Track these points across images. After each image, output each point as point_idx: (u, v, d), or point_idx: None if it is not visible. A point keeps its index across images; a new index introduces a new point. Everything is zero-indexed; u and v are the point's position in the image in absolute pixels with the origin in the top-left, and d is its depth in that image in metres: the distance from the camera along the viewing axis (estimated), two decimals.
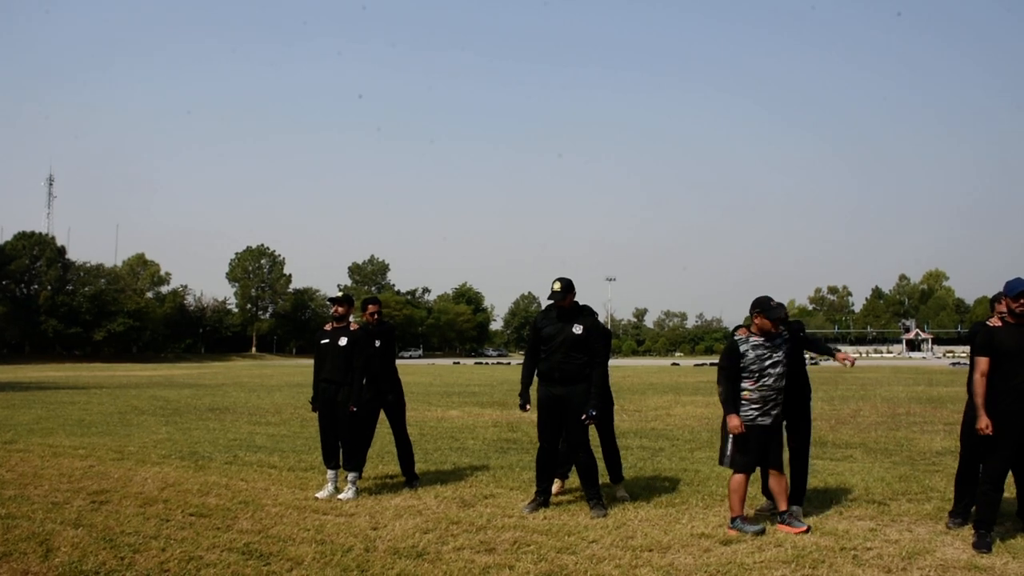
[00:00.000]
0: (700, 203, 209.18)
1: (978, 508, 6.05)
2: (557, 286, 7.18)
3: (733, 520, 6.38)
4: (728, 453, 6.57)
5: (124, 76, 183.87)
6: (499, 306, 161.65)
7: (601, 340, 7.29)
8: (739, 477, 6.47)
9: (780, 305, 6.59)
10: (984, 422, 5.94)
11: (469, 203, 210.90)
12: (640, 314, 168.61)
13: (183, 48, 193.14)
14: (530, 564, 5.46)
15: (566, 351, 7.12)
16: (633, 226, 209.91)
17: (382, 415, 8.52)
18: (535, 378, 7.39)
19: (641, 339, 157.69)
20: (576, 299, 7.34)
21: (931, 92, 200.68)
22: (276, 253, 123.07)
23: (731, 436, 6.54)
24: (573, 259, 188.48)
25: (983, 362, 6.05)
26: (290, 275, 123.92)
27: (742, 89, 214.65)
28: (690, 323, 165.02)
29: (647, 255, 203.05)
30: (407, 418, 8.85)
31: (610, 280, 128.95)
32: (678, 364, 70.41)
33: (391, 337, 8.63)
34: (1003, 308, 6.29)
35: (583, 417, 7.06)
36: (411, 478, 8.39)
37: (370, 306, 8.57)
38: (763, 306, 6.56)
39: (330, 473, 7.90)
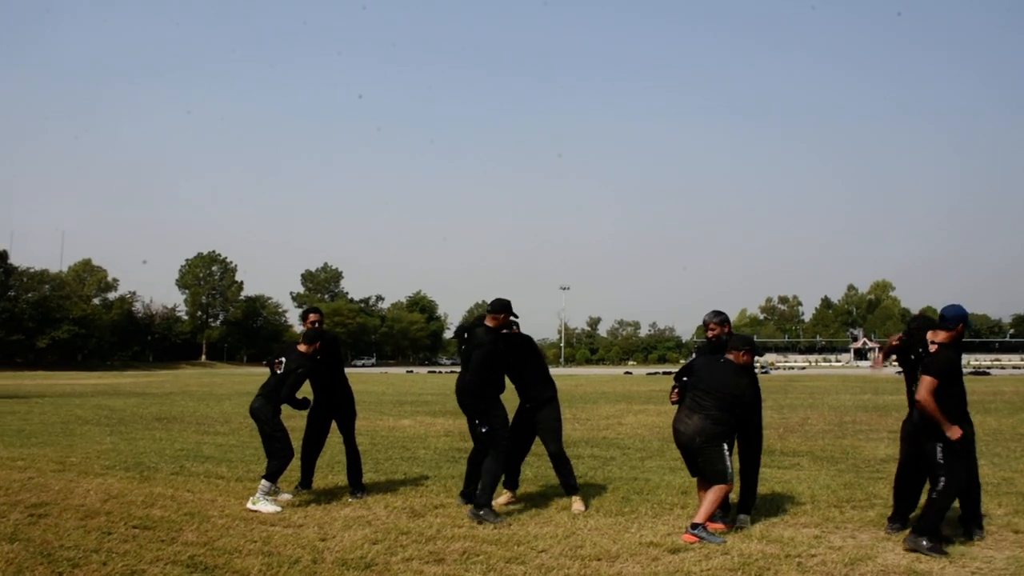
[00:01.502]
0: (654, 212, 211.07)
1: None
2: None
3: (699, 527, 6.42)
4: (731, 470, 6.65)
5: (118, 80, 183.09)
6: (453, 314, 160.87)
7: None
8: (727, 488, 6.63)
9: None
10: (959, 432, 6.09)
11: (426, 210, 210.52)
12: (594, 323, 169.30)
13: (183, 48, 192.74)
14: (479, 574, 5.45)
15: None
16: (587, 235, 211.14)
17: (333, 425, 8.50)
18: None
19: (595, 348, 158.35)
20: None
21: (885, 104, 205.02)
22: (227, 260, 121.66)
23: (728, 452, 6.65)
24: (527, 267, 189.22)
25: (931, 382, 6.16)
26: (242, 282, 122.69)
27: (697, 100, 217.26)
28: (643, 332, 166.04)
29: (601, 264, 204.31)
30: (357, 427, 8.79)
31: (564, 289, 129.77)
32: (631, 373, 70.80)
33: (335, 346, 8.62)
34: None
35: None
36: (357, 488, 8.33)
37: (311, 315, 8.52)
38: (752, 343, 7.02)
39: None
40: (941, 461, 6.05)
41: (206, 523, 6.91)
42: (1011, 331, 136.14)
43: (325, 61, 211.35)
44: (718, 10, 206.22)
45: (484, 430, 7.31)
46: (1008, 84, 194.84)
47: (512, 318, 7.75)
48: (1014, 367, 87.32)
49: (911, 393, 6.69)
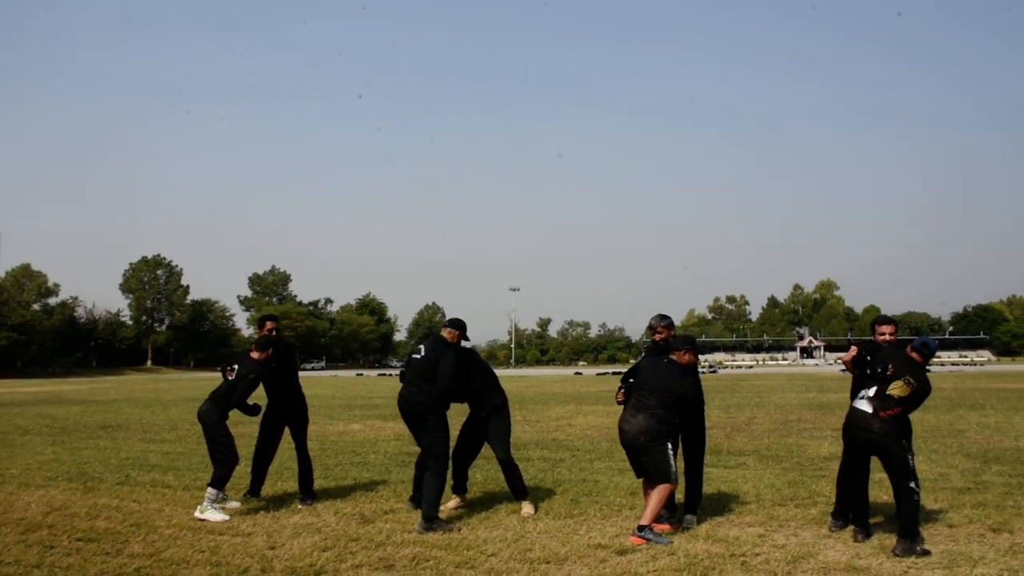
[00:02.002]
0: (604, 213, 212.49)
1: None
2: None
3: (646, 528, 6.50)
4: (675, 469, 6.74)
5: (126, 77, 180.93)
6: (403, 316, 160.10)
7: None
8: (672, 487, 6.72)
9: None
10: None
11: (374, 212, 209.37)
12: (544, 323, 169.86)
13: (183, 48, 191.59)
14: None
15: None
16: (537, 235, 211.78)
17: (285, 432, 8.48)
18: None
19: (545, 348, 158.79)
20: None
21: (831, 107, 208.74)
22: (173, 263, 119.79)
23: (673, 452, 6.75)
24: (476, 268, 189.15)
25: None
26: (188, 286, 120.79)
27: (644, 104, 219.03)
28: (593, 332, 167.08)
29: (551, 264, 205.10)
30: (308, 432, 8.77)
31: (514, 290, 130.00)
32: (581, 373, 71.13)
33: (290, 354, 8.62)
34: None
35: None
36: (307, 495, 8.29)
37: (267, 323, 8.47)
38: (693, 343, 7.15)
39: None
40: (911, 467, 6.24)
41: (152, 534, 6.83)
42: (950, 329, 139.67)
43: (326, 61, 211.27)
44: (650, 19, 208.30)
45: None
46: (955, 87, 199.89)
47: (464, 341, 7.84)
48: (952, 364, 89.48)
49: (855, 394, 6.89)
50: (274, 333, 8.37)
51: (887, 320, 7.05)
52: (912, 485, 6.16)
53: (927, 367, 6.55)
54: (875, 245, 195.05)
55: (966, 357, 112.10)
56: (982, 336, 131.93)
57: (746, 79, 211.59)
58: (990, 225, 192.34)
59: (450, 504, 7.92)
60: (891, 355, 6.54)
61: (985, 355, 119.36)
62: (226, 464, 7.63)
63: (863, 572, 5.58)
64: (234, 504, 7.94)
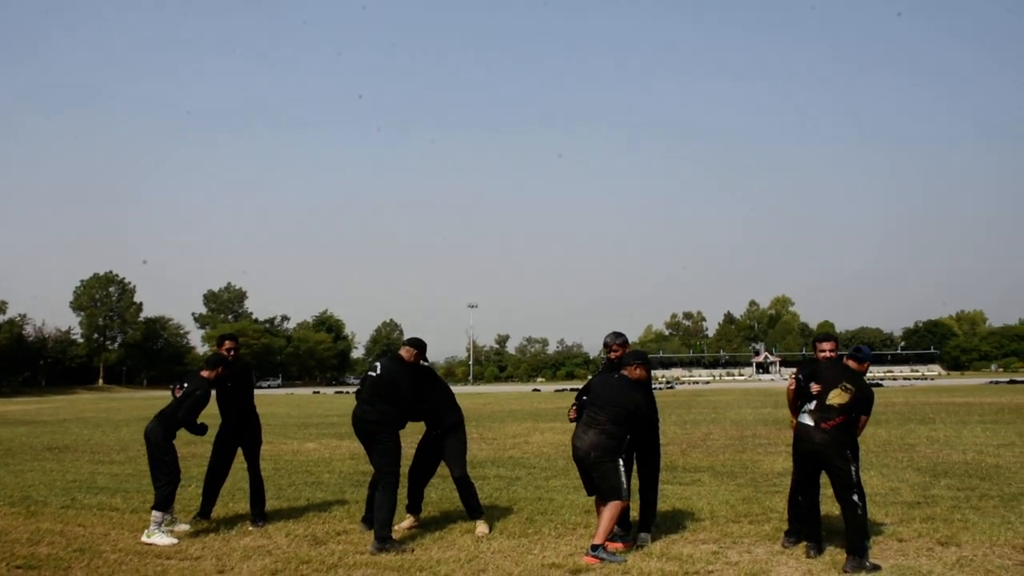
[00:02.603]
0: (561, 229, 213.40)
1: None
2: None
3: (600, 548, 6.48)
4: (626, 486, 6.72)
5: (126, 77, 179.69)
6: (361, 334, 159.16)
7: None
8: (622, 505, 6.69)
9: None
10: None
11: (330, 229, 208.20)
12: (502, 340, 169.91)
13: (182, 48, 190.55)
14: None
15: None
16: (495, 252, 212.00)
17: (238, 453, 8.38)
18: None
19: (503, 365, 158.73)
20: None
21: (784, 124, 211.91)
22: (125, 281, 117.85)
23: (624, 469, 6.74)
24: (436, 285, 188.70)
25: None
26: (141, 303, 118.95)
27: (605, 118, 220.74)
28: (552, 349, 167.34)
29: (510, 281, 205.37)
30: (261, 452, 8.64)
31: (472, 307, 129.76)
32: (539, 390, 71.16)
33: (247, 374, 8.54)
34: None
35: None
36: (259, 517, 8.16)
37: (226, 342, 8.36)
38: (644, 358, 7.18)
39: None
40: (855, 480, 6.30)
41: (97, 559, 6.66)
42: (902, 344, 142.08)
43: (326, 60, 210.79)
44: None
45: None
46: (917, 102, 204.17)
47: (422, 361, 7.80)
48: (904, 379, 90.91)
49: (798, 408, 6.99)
50: (232, 353, 8.26)
51: (827, 337, 7.17)
52: (855, 498, 6.21)
53: (865, 373, 6.69)
54: (829, 262, 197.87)
55: (917, 372, 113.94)
56: (932, 351, 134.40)
57: (699, 92, 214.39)
58: (941, 243, 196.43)
59: (404, 524, 7.85)
60: (824, 369, 6.68)
61: (935, 369, 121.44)
62: (168, 484, 7.46)
63: None
64: (183, 527, 7.78)
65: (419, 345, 7.77)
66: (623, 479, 6.64)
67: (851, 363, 6.61)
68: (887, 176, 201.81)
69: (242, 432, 8.37)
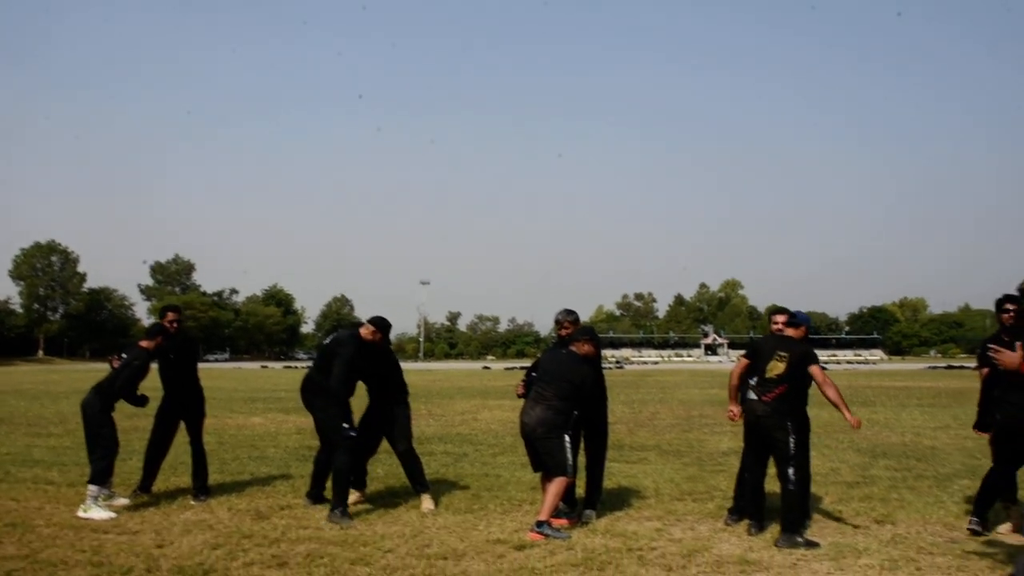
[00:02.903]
0: (512, 208, 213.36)
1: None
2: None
3: (545, 524, 6.49)
4: (571, 462, 6.71)
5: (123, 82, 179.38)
6: (311, 308, 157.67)
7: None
8: (566, 481, 6.67)
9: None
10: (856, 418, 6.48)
11: (285, 202, 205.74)
12: (453, 317, 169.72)
13: (182, 48, 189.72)
14: None
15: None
16: (448, 230, 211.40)
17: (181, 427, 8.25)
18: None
19: (454, 342, 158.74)
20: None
21: (733, 107, 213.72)
22: (68, 250, 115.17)
23: (570, 445, 6.71)
24: (387, 262, 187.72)
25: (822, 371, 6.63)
26: (84, 274, 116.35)
27: (561, 101, 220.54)
28: (503, 327, 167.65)
29: (461, 259, 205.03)
30: (204, 426, 8.51)
31: (424, 284, 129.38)
32: (489, 368, 71.29)
33: (192, 347, 8.44)
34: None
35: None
36: (201, 491, 8.05)
37: (169, 313, 8.19)
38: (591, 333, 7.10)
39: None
40: (793, 452, 6.33)
41: (30, 533, 6.49)
42: (847, 328, 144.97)
43: (326, 60, 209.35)
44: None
45: (351, 433, 7.20)
46: (877, 85, 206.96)
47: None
48: (847, 363, 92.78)
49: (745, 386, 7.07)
50: (175, 325, 8.10)
51: (780, 310, 7.25)
52: (790, 472, 6.28)
53: (806, 338, 6.76)
54: (777, 245, 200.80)
55: (860, 356, 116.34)
56: (875, 336, 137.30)
57: (662, 83, 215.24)
58: (885, 229, 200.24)
59: (350, 499, 7.79)
60: (762, 344, 6.78)
61: (878, 354, 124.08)
62: (104, 458, 7.29)
63: (755, 565, 5.68)
64: (122, 501, 7.64)
65: (382, 326, 7.60)
66: (568, 456, 6.64)
67: (788, 331, 6.70)
68: (836, 162, 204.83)
69: (185, 405, 8.22)
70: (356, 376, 7.49)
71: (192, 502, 7.78)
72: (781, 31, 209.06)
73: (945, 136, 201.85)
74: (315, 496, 7.64)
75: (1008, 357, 5.61)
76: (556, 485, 6.56)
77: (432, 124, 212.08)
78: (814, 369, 6.49)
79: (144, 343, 7.66)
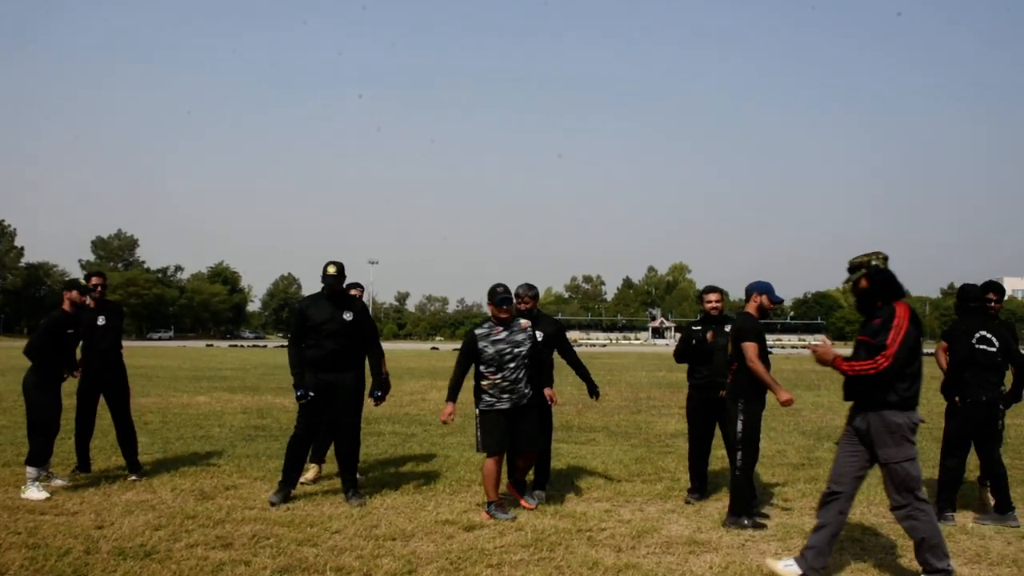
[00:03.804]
0: (463, 190, 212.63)
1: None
2: (333, 269, 7.05)
3: (488, 505, 6.48)
4: (479, 437, 6.66)
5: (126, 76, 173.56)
6: (258, 287, 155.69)
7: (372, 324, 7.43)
8: (489, 461, 6.57)
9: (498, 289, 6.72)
10: (788, 394, 6.33)
11: (228, 180, 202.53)
12: (402, 298, 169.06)
13: (182, 48, 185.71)
14: (268, 559, 5.25)
15: (339, 338, 7.00)
16: (398, 209, 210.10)
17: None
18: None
19: (402, 323, 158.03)
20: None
21: (678, 94, 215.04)
22: (5, 223, 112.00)
23: (478, 421, 6.64)
24: (334, 240, 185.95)
25: (755, 347, 6.35)
26: (22, 248, 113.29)
27: (509, 88, 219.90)
28: (451, 308, 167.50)
29: (410, 238, 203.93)
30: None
31: (373, 263, 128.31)
32: (438, 348, 71.12)
33: (117, 315, 8.19)
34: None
35: (374, 402, 7.17)
36: (135, 466, 7.88)
37: (93, 278, 7.95)
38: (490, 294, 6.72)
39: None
40: (740, 435, 6.33)
41: None
42: (791, 313, 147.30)
43: (326, 60, 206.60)
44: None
45: (379, 394, 7.20)
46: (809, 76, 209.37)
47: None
48: (792, 347, 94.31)
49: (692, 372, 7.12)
50: (100, 290, 7.87)
51: (712, 288, 7.28)
52: (737, 455, 6.32)
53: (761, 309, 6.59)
54: (725, 229, 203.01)
55: (804, 340, 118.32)
56: (820, 321, 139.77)
57: (611, 66, 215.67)
58: (829, 214, 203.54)
59: (308, 475, 7.72)
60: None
61: (821, 339, 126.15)
62: (39, 436, 7.07)
63: (704, 545, 5.71)
64: (59, 482, 7.41)
65: (333, 274, 7.24)
66: None
67: (748, 307, 6.65)
68: (778, 144, 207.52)
69: (107, 380, 7.93)
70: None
71: (133, 478, 7.62)
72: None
73: (890, 125, 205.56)
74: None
75: (821, 350, 5.35)
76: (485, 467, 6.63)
77: (428, 120, 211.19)
78: (746, 346, 6.30)
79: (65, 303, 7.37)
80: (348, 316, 7.05)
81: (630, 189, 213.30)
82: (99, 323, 7.86)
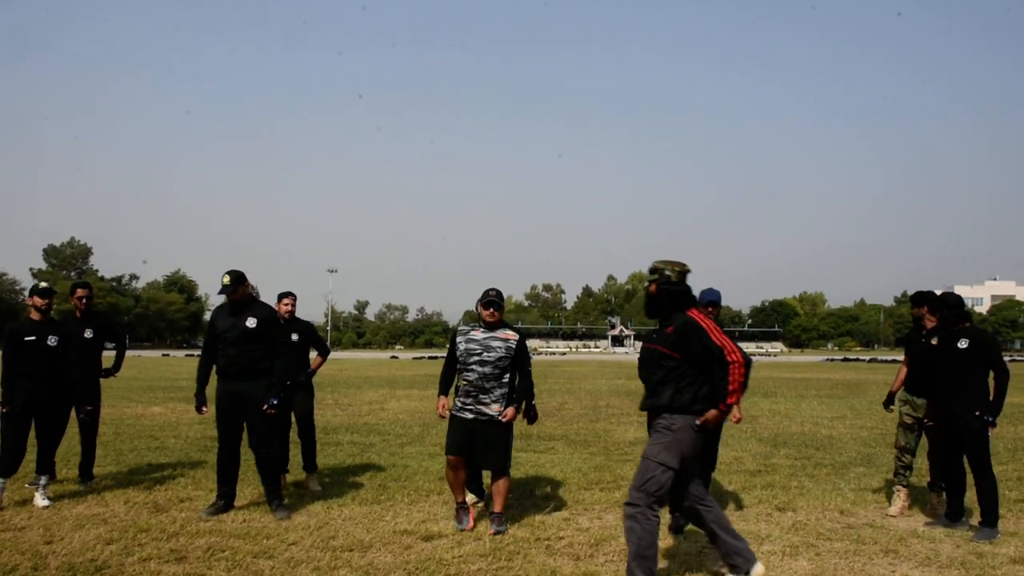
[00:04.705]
0: (422, 198, 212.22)
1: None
2: (227, 279, 6.97)
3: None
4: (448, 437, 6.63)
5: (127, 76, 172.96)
6: (216, 296, 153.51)
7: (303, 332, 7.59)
8: (448, 464, 6.53)
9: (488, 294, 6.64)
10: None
11: (191, 187, 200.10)
12: (361, 306, 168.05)
13: (182, 48, 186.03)
14: (222, 572, 5.18)
15: (241, 345, 6.86)
16: (357, 218, 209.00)
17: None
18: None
19: (362, 332, 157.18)
20: (251, 291, 7.21)
21: (630, 103, 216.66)
22: None
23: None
24: (295, 249, 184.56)
25: None
26: None
27: (468, 91, 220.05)
28: (411, 316, 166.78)
29: (370, 247, 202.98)
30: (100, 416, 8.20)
31: (332, 272, 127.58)
32: (397, 357, 70.80)
33: (107, 327, 8.21)
34: None
35: (264, 408, 6.82)
36: (87, 476, 7.85)
37: (78, 290, 7.89)
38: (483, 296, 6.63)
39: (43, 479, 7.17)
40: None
41: None
42: (749, 321, 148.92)
43: (326, 60, 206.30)
44: None
45: (275, 403, 6.92)
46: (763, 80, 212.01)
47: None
48: (750, 355, 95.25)
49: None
50: (85, 302, 7.91)
51: None
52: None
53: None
54: (684, 238, 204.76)
55: (762, 348, 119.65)
56: (776, 329, 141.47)
57: (548, 73, 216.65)
58: (787, 224, 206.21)
59: None
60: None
61: (778, 347, 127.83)
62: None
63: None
64: (41, 500, 7.14)
65: (228, 284, 7.09)
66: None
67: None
68: (740, 155, 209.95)
69: (80, 392, 7.80)
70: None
71: (84, 495, 7.48)
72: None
73: (843, 136, 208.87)
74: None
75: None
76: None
77: (428, 121, 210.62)
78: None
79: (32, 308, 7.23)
80: (251, 323, 6.89)
81: (590, 198, 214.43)
82: (86, 336, 7.87)
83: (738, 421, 6.69)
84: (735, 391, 4.80)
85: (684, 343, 4.87)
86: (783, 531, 6.36)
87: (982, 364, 6.45)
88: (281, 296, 8.08)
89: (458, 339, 6.58)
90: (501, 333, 6.52)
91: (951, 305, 6.74)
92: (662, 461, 4.79)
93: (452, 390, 6.66)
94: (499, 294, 6.58)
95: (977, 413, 6.35)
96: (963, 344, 6.49)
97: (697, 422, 4.86)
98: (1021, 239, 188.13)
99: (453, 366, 6.63)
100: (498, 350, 6.43)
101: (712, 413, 4.85)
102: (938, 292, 7.17)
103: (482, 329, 6.55)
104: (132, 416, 14.86)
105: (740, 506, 7.30)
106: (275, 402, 6.87)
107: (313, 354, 8.55)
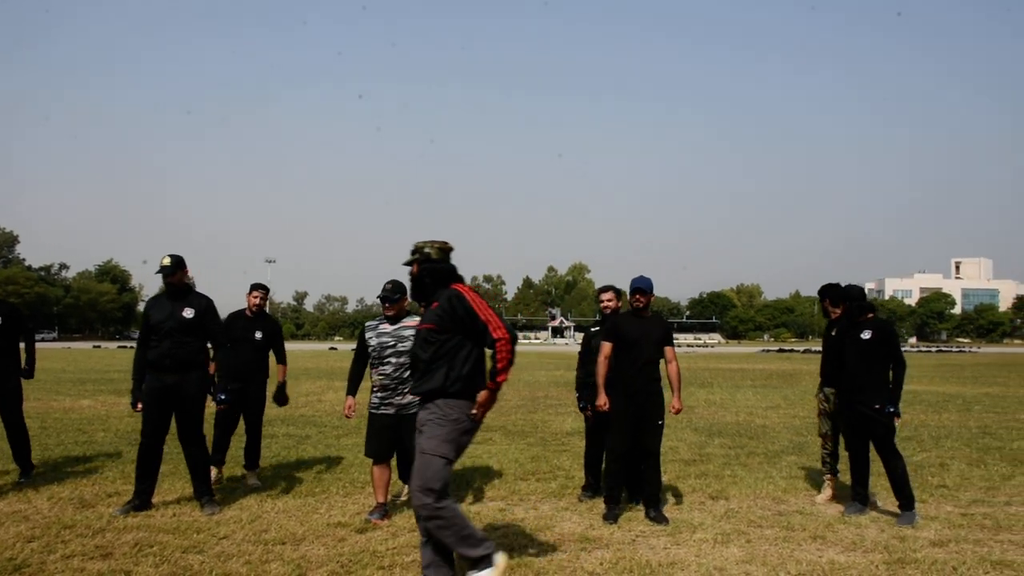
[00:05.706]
0: (362, 188, 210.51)
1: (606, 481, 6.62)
2: (167, 260, 6.71)
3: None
4: (365, 440, 6.59)
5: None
6: (149, 286, 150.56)
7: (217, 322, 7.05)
8: (374, 467, 6.51)
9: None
10: (603, 399, 6.52)
11: (118, 175, 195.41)
12: (300, 297, 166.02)
13: (183, 47, 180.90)
14: (151, 567, 5.06)
15: (177, 337, 6.61)
16: (296, 207, 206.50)
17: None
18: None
19: (300, 323, 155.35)
20: (188, 280, 6.96)
21: (580, 95, 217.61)
22: None
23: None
24: (229, 237, 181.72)
25: (607, 347, 6.63)
26: None
27: (408, 77, 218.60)
28: (351, 307, 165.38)
29: (310, 237, 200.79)
30: (26, 409, 7.96)
31: (270, 262, 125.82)
32: (336, 349, 70.15)
33: (11, 316, 7.85)
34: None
35: (218, 406, 6.70)
36: (27, 468, 7.66)
37: None
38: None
39: None
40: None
41: None
42: (687, 313, 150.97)
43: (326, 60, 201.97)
44: None
45: (223, 398, 6.81)
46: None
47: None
48: (688, 346, 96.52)
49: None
50: None
51: (607, 288, 7.39)
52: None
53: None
54: (622, 231, 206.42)
55: (700, 339, 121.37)
56: (714, 320, 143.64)
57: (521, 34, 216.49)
58: (724, 217, 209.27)
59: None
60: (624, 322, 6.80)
61: (716, 338, 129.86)
62: None
63: (595, 542, 5.77)
64: None
65: (167, 266, 6.86)
66: None
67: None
68: (678, 148, 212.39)
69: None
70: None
71: (11, 490, 7.26)
72: None
73: (793, 131, 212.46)
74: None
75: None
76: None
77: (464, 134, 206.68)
78: (668, 349, 6.85)
79: None
80: (188, 313, 6.65)
81: (529, 190, 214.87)
82: None
83: (677, 412, 6.76)
84: (503, 368, 4.64)
85: (449, 315, 4.67)
86: (716, 519, 6.44)
87: (885, 354, 6.66)
88: (252, 288, 7.82)
89: (368, 334, 6.55)
90: (409, 322, 6.50)
91: (854, 297, 6.95)
92: (442, 454, 4.62)
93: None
94: (395, 286, 6.50)
95: (877, 407, 6.57)
96: (866, 335, 6.70)
97: (474, 412, 4.72)
98: (948, 234, 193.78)
99: (362, 363, 6.62)
100: (412, 340, 6.38)
101: (483, 394, 4.71)
102: (870, 285, 7.34)
103: (388, 324, 6.51)
104: (60, 410, 14.47)
105: (675, 495, 7.37)
106: (223, 397, 6.74)
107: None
